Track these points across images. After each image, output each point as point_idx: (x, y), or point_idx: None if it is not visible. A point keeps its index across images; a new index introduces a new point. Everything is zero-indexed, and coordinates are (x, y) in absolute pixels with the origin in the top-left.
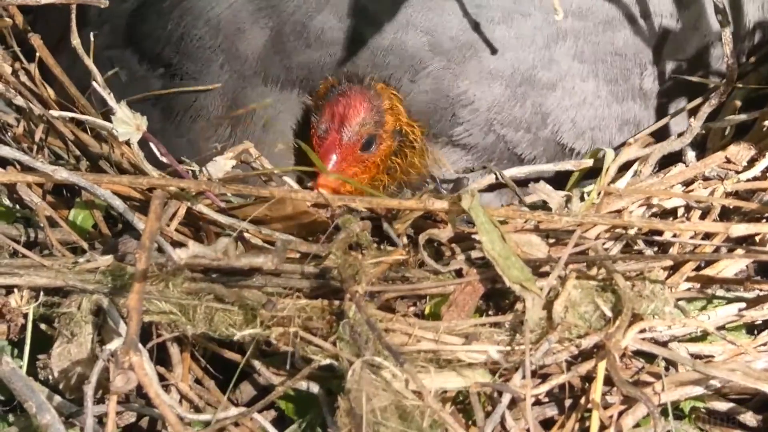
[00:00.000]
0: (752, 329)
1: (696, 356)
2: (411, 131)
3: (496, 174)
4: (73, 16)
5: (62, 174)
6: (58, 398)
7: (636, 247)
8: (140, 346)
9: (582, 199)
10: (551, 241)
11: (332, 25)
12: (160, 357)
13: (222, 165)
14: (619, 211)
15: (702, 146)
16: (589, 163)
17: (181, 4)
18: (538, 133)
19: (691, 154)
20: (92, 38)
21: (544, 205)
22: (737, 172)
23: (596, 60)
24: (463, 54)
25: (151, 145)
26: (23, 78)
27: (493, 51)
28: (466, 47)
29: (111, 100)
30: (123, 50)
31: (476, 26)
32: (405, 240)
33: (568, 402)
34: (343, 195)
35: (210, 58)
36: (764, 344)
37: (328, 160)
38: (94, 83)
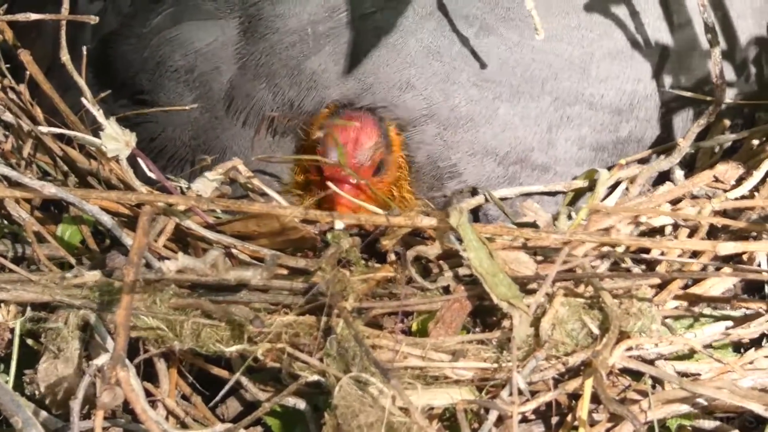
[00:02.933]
0: (739, 347)
1: (683, 374)
2: (405, 165)
3: (485, 194)
4: (63, 32)
5: (50, 189)
6: (44, 414)
7: (623, 265)
8: (127, 361)
9: (570, 217)
10: (539, 258)
11: (327, 68)
12: (147, 372)
13: (209, 181)
14: (607, 229)
15: (691, 165)
16: (579, 184)
17: (162, 32)
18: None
19: (679, 173)
20: (84, 52)
21: (532, 224)
22: (725, 191)
23: (597, 148)
24: (461, 125)
25: (140, 161)
26: (11, 94)
27: (493, 128)
28: (465, 119)
29: (100, 116)
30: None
31: (480, 100)
32: (393, 256)
33: (554, 419)
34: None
35: (182, 92)
36: (751, 362)
37: (344, 187)
38: (83, 99)
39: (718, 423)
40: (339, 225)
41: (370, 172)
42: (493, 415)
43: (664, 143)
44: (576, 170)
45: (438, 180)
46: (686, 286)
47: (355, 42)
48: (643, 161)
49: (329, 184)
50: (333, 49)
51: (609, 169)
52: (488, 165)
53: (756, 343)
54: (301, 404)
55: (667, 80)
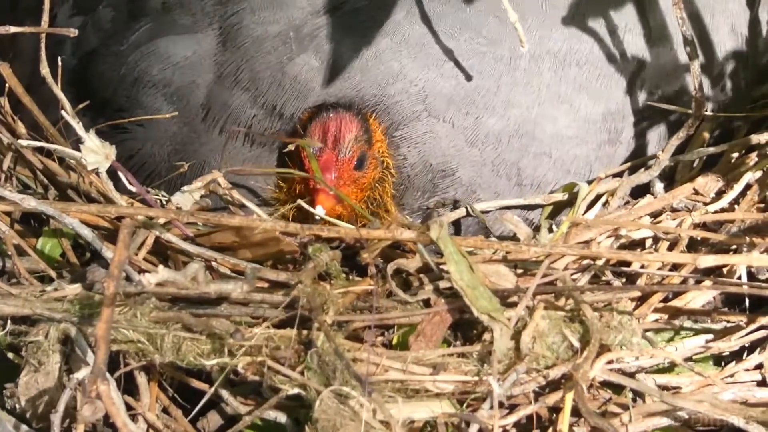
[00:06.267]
0: (720, 360)
1: (663, 387)
2: (390, 163)
3: (466, 208)
4: (43, 45)
5: (30, 202)
6: (24, 427)
7: (604, 278)
8: (108, 375)
9: (550, 230)
10: (519, 271)
11: (312, 69)
12: (128, 386)
13: (190, 194)
14: (587, 242)
15: (671, 178)
16: (559, 197)
17: (140, 48)
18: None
19: (659, 186)
20: (60, 63)
21: (513, 237)
22: (705, 204)
23: (590, 120)
24: (461, 112)
25: (120, 174)
26: None
27: (495, 110)
28: (466, 104)
29: (80, 128)
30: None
31: (482, 71)
32: (373, 270)
33: None
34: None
35: (160, 107)
36: (731, 375)
37: (325, 178)
38: (62, 111)
39: None
40: (320, 211)
41: (351, 166)
42: (473, 429)
43: (645, 143)
44: (576, 150)
45: (431, 181)
46: (666, 299)
47: (341, 40)
48: (622, 175)
49: (314, 182)
50: (317, 50)
51: (589, 183)
52: (487, 154)
53: (736, 356)
54: (282, 417)
55: (643, 93)
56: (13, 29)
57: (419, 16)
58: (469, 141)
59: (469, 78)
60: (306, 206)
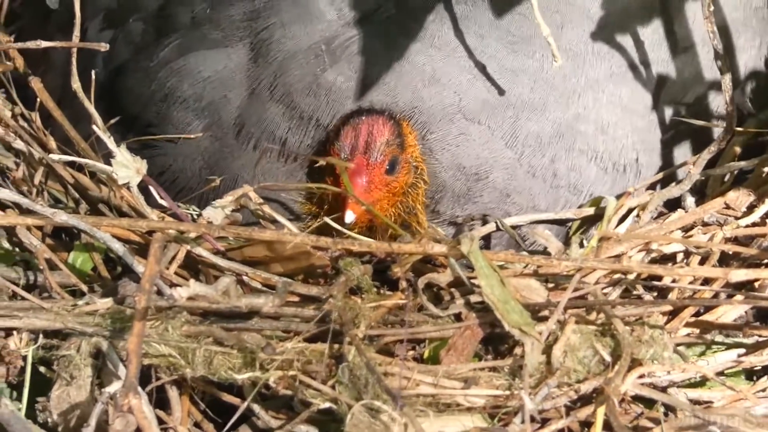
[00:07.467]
0: (751, 375)
1: (695, 402)
2: (424, 168)
3: (496, 222)
4: (74, 59)
5: (62, 217)
6: None
7: (635, 292)
8: (139, 389)
9: (581, 245)
10: (550, 285)
11: (346, 78)
12: (159, 400)
13: (220, 209)
14: (618, 256)
15: (701, 192)
16: (589, 211)
17: (170, 64)
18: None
19: (690, 200)
20: (93, 77)
21: (543, 251)
22: (736, 218)
23: (632, 111)
24: (497, 114)
25: (151, 188)
26: (23, 122)
27: (532, 110)
28: (502, 106)
29: (111, 143)
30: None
31: (514, 74)
32: (404, 284)
33: None
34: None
35: (191, 122)
36: (763, 390)
37: (356, 182)
38: (94, 126)
39: None
40: (350, 217)
41: (382, 170)
42: None
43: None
44: (610, 149)
45: (464, 185)
46: (698, 314)
47: (372, 48)
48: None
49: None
50: (350, 59)
51: (617, 197)
52: (523, 155)
53: None
54: None
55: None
56: (45, 44)
57: (448, 19)
58: (506, 143)
59: (502, 79)
60: (334, 224)
